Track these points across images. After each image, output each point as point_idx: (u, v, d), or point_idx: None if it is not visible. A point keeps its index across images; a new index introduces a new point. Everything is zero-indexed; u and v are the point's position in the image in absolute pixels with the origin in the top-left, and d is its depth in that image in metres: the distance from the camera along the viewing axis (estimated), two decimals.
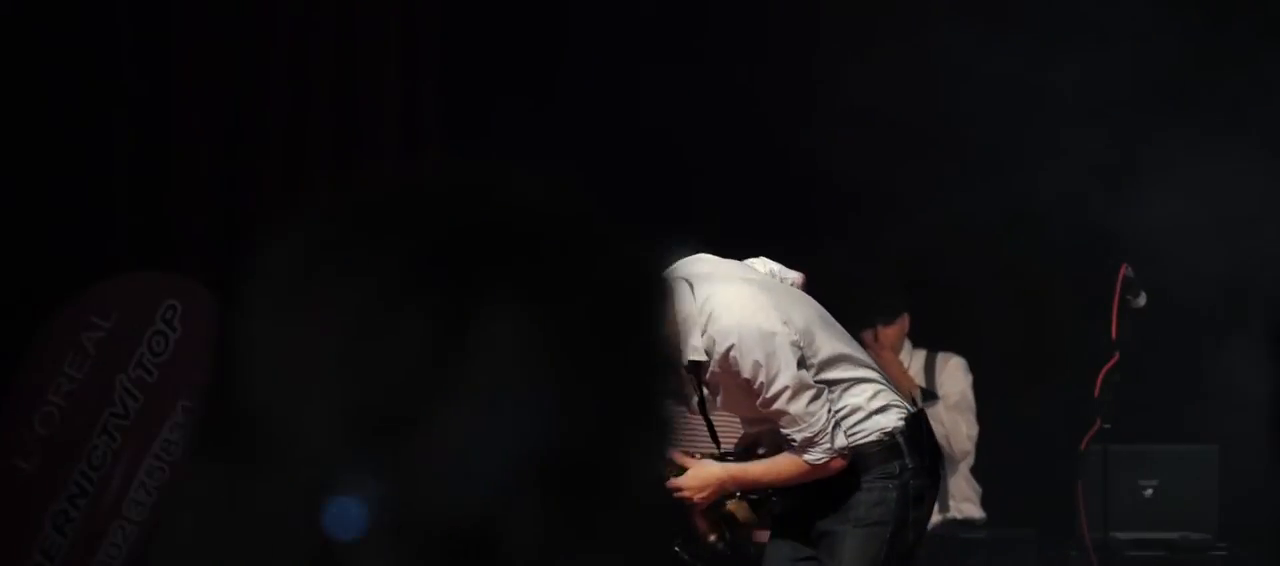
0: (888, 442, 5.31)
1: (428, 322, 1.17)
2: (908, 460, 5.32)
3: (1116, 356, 6.69)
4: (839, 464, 5.28)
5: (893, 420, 5.34)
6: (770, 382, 5.17)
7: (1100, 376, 6.79)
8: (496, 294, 1.18)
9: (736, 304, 5.19)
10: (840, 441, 5.25)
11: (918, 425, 5.40)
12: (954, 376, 8.06)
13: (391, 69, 8.22)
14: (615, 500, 1.20)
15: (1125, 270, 6.69)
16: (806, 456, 5.25)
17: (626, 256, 1.24)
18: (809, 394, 5.18)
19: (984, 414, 8.12)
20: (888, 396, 5.38)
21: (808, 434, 5.21)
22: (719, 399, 5.32)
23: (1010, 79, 8.00)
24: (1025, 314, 7.83)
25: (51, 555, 7.68)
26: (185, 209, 8.01)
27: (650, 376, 1.23)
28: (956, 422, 8.00)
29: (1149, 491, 7.86)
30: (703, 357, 5.19)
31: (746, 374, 5.16)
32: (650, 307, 1.24)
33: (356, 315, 1.18)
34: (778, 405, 5.18)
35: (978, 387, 8.09)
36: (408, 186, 1.26)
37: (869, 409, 5.33)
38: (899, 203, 7.92)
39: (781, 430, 5.25)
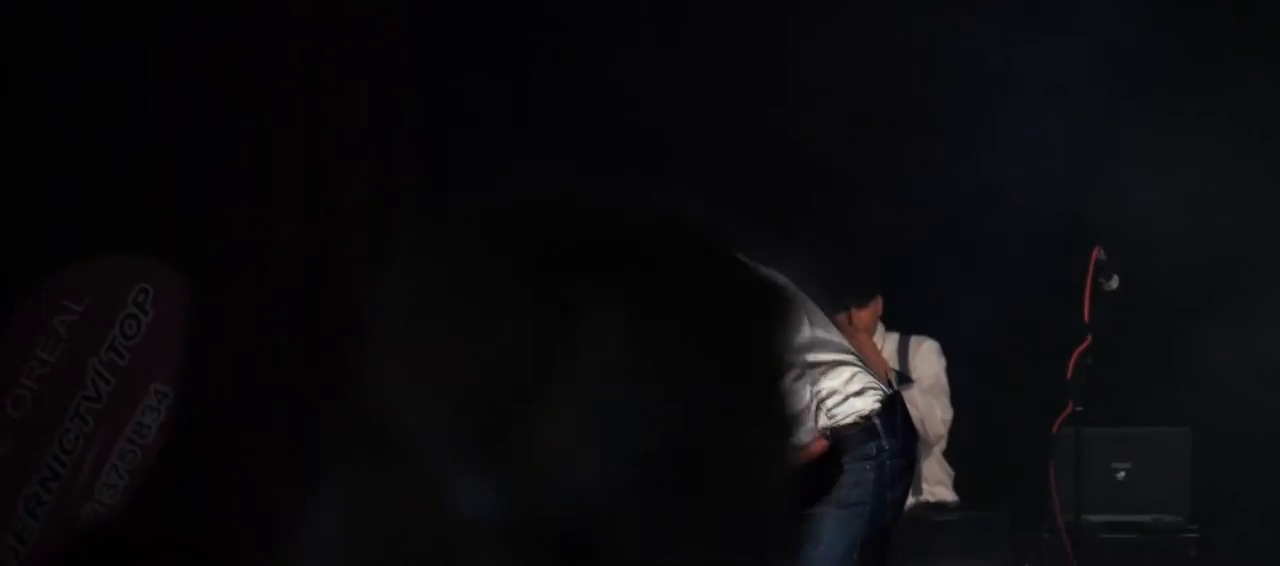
0: (865, 425, 5.33)
1: (534, 328, 1.21)
2: (884, 441, 5.34)
3: (1089, 339, 6.70)
4: (821, 445, 5.30)
5: (870, 403, 5.35)
6: None
7: (1073, 359, 6.80)
8: (601, 301, 1.22)
9: None
10: (822, 421, 5.26)
11: (893, 407, 5.42)
12: (928, 360, 8.06)
13: (365, 52, 8.19)
14: (721, 498, 1.23)
15: (1097, 253, 6.70)
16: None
17: (733, 266, 1.29)
18: (791, 374, 5.18)
19: (956, 397, 8.12)
20: (864, 379, 5.39)
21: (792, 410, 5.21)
22: None
23: (982, 61, 8.00)
24: (997, 297, 7.83)
25: (24, 538, 7.66)
26: (157, 192, 7.98)
27: (758, 380, 1.27)
28: (931, 406, 8.00)
29: (1121, 474, 7.88)
30: None
31: None
32: (759, 315, 1.29)
33: (468, 321, 1.23)
34: None
35: (950, 371, 8.10)
36: (522, 198, 1.29)
37: (846, 392, 5.35)
38: (871, 185, 7.91)
39: None
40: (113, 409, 7.72)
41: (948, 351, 8.10)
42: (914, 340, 8.06)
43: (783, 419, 1.29)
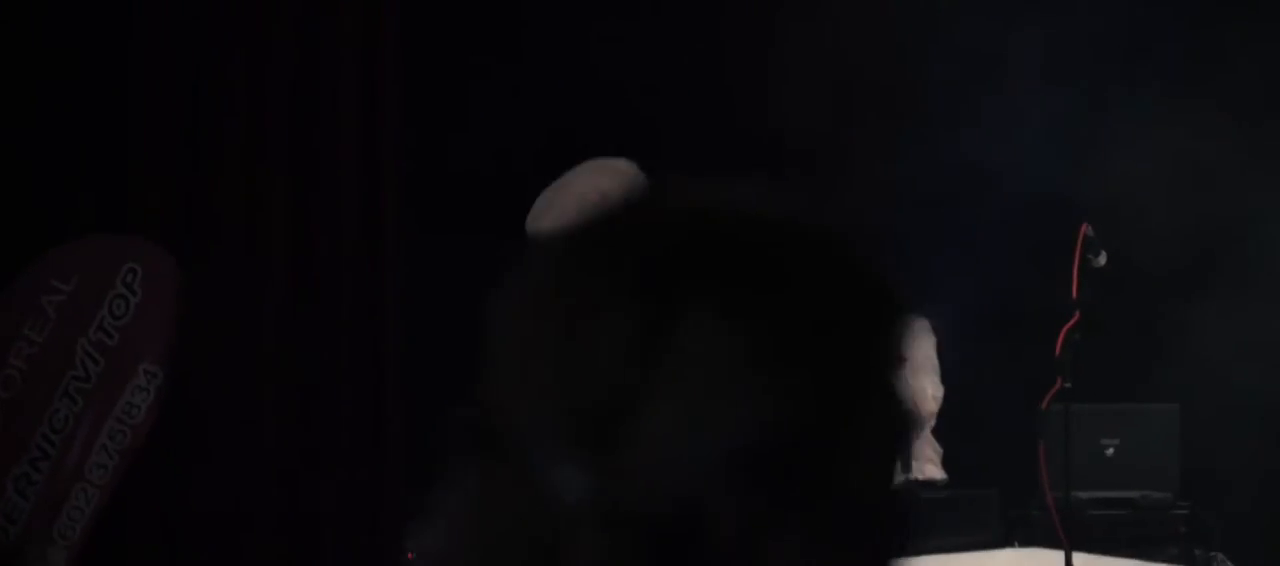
0: None
1: (634, 328, 1.26)
2: None
3: (1077, 315, 6.69)
4: None
5: None
6: None
7: (1061, 336, 6.80)
8: (700, 300, 1.26)
9: None
10: None
11: None
12: (917, 339, 8.07)
13: (351, 28, 8.18)
14: (822, 495, 1.26)
15: (1086, 229, 6.69)
16: None
17: (842, 267, 1.33)
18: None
19: (945, 374, 8.13)
20: None
21: None
22: None
23: (969, 38, 8.00)
24: (985, 274, 7.83)
25: (13, 518, 7.66)
26: (146, 172, 7.97)
27: (861, 380, 1.30)
28: (922, 385, 8.01)
29: (1110, 451, 7.89)
30: None
31: None
32: (864, 316, 1.32)
33: (570, 322, 1.28)
34: None
35: (938, 348, 8.11)
36: (625, 204, 1.34)
37: None
38: (856, 162, 7.91)
39: None
40: (102, 389, 7.72)
41: (936, 329, 8.11)
42: None
43: (894, 417, 1.33)
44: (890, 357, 1.33)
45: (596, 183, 5.31)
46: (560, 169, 6.01)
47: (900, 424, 1.33)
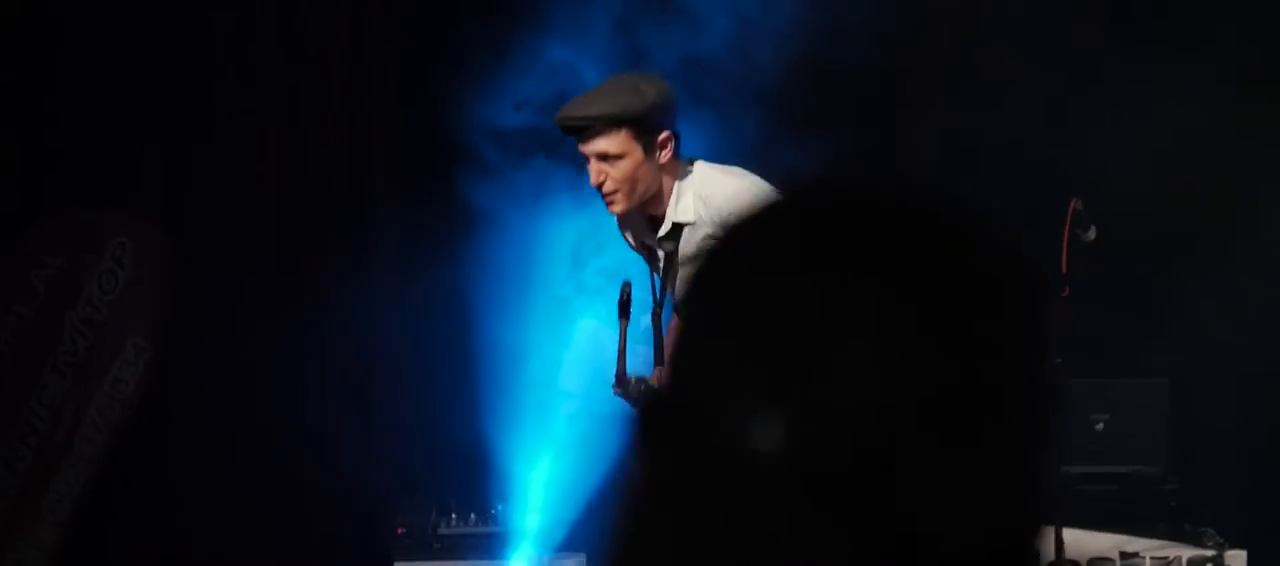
0: None
1: (820, 293, 1.36)
2: None
3: (1067, 290, 6.69)
4: None
5: None
6: None
7: (1051, 310, 6.79)
8: (874, 274, 1.38)
9: (736, 179, 5.21)
10: None
11: None
12: None
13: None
14: (995, 451, 1.37)
15: (1075, 204, 6.69)
16: None
17: (996, 245, 1.45)
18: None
19: None
20: None
21: None
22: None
23: (960, 10, 7.99)
24: None
25: (3, 493, 7.66)
26: (135, 145, 7.95)
27: (1022, 343, 1.41)
28: None
29: (1100, 425, 7.88)
30: (691, 219, 5.17)
31: None
32: (1019, 290, 1.45)
33: (756, 305, 1.38)
34: None
35: None
36: (806, 189, 1.47)
37: None
38: (841, 135, 7.90)
39: None
40: (91, 363, 7.71)
41: None
42: None
43: (1046, 378, 1.43)
44: (1040, 322, 1.44)
45: (633, 80, 5.34)
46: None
47: (1051, 383, 1.43)
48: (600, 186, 5.25)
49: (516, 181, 7.81)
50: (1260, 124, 8.01)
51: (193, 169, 7.97)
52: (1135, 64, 7.88)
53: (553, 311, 7.81)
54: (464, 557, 7.97)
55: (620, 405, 6.80)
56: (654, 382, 5.30)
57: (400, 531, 8.08)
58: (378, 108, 8.13)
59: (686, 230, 5.21)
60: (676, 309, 5.28)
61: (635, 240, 5.52)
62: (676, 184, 5.23)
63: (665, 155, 5.26)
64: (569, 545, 7.87)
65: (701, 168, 5.27)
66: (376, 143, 8.13)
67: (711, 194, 5.21)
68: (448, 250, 8.02)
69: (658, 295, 5.32)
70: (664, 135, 5.27)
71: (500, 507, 7.95)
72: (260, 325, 7.96)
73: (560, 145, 7.35)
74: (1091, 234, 6.73)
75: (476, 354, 7.93)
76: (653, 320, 5.33)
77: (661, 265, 5.27)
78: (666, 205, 5.24)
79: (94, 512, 7.75)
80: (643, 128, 5.23)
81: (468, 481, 8.01)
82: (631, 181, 5.22)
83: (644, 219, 5.45)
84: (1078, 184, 6.96)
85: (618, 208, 5.25)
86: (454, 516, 8.05)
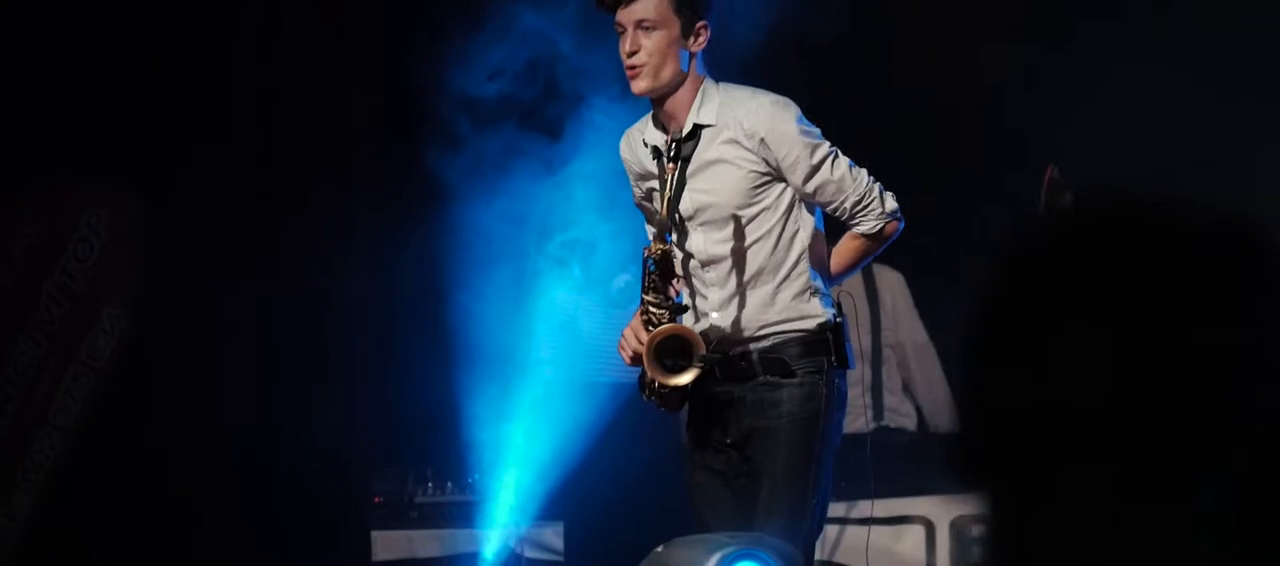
0: (828, 329, 5.27)
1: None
2: (833, 357, 5.30)
3: None
4: (893, 228, 5.30)
5: (833, 311, 5.32)
6: (816, 148, 5.19)
7: None
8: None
9: (762, 96, 5.23)
10: (890, 204, 5.25)
11: (844, 329, 5.38)
12: (908, 317, 8.11)
13: None
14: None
15: (1051, 172, 6.68)
16: (859, 227, 5.25)
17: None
18: (848, 160, 5.20)
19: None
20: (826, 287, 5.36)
21: (856, 195, 5.20)
22: (696, 201, 5.21)
23: None
24: (951, 215, 7.81)
25: None
26: (112, 116, 7.92)
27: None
28: (912, 330, 8.06)
29: None
30: (712, 122, 5.17)
31: (788, 143, 5.16)
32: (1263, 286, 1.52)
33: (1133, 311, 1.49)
34: (823, 172, 5.19)
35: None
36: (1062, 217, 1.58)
37: (821, 288, 5.31)
38: (816, 103, 7.88)
39: (826, 204, 5.23)
40: (66, 332, 7.70)
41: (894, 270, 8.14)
42: (876, 267, 8.04)
43: None
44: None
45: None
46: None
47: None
48: (631, 57, 5.24)
49: (487, 151, 7.79)
50: (1239, 91, 7.99)
51: (168, 140, 7.94)
52: (1116, 32, 7.86)
53: (524, 282, 7.80)
54: (441, 526, 7.97)
55: (593, 373, 6.80)
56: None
57: (377, 500, 8.07)
58: (352, 80, 8.11)
59: (707, 133, 5.19)
60: (677, 225, 5.24)
61: (639, 169, 5.46)
62: (701, 89, 5.23)
63: (698, 43, 5.27)
64: (547, 513, 7.86)
65: (725, 84, 5.28)
66: (351, 115, 8.11)
67: (736, 104, 5.21)
68: (421, 220, 8.00)
69: (664, 213, 5.26)
70: (702, 23, 5.28)
71: (476, 477, 7.94)
72: (235, 296, 7.94)
73: (533, 115, 7.34)
74: (1068, 200, 6.71)
75: (451, 324, 7.91)
76: (657, 262, 5.25)
77: (672, 179, 5.22)
78: (687, 110, 5.22)
79: (69, 482, 7.73)
80: (685, 4, 5.24)
81: (444, 450, 8.00)
82: (662, 56, 5.21)
83: (652, 138, 5.38)
84: (1055, 151, 6.94)
85: (641, 84, 5.22)
86: (431, 485, 8.04)
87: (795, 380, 5.25)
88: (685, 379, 5.19)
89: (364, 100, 8.14)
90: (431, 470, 8.04)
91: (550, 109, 7.41)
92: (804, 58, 7.69)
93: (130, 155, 7.91)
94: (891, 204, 5.28)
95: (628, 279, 7.68)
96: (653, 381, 5.27)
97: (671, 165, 5.21)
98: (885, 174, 5.41)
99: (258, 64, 8.05)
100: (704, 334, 5.24)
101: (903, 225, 5.34)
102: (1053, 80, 8.03)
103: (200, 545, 7.81)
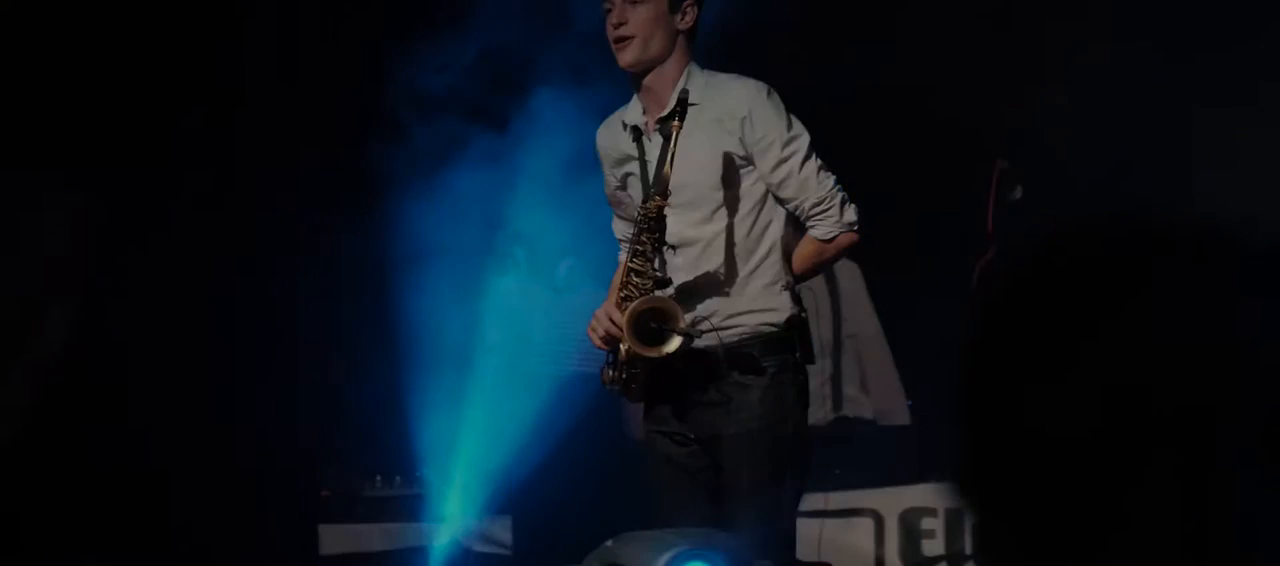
0: (794, 325, 5.24)
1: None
2: (799, 353, 5.27)
3: (992, 250, 6.69)
4: (848, 239, 5.26)
5: (798, 308, 5.29)
6: (793, 138, 5.16)
7: (976, 270, 6.79)
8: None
9: (745, 80, 5.21)
10: (850, 215, 5.22)
11: (807, 324, 5.36)
12: (864, 310, 8.11)
13: None
14: None
15: (1000, 164, 6.69)
16: (814, 230, 5.21)
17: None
18: (818, 162, 5.18)
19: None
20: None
21: (816, 197, 5.18)
22: (674, 180, 5.17)
23: None
24: (901, 206, 7.81)
25: None
26: (59, 111, 7.89)
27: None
28: (864, 318, 8.07)
29: None
30: (696, 102, 5.14)
31: (766, 125, 5.14)
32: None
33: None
34: (790, 163, 5.16)
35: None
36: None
37: (788, 281, 5.28)
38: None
39: (787, 199, 5.20)
40: (15, 324, 7.66)
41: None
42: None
43: None
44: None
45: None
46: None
47: None
48: (619, 28, 5.22)
49: (431, 144, 7.77)
50: (1192, 84, 8.00)
51: (113, 132, 7.90)
52: (1064, 22, 7.86)
53: (470, 274, 7.77)
54: (389, 520, 7.93)
55: (541, 365, 6.77)
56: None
57: (325, 494, 8.04)
58: (296, 76, 8.08)
59: (691, 112, 5.16)
60: (661, 194, 5.19)
61: (616, 155, 5.43)
62: (687, 70, 5.23)
63: (685, 22, 5.25)
64: (495, 507, 7.84)
65: (709, 70, 5.28)
66: (296, 109, 8.08)
67: (721, 86, 5.20)
68: (366, 214, 7.97)
69: (646, 191, 5.22)
70: (689, 2, 5.27)
71: (424, 470, 7.91)
72: (181, 291, 7.90)
73: (478, 108, 7.32)
74: (1018, 193, 6.72)
75: (398, 317, 7.88)
76: (652, 221, 5.21)
77: (654, 159, 5.19)
78: (671, 88, 5.21)
79: (13, 475, 7.69)
80: None
81: (392, 444, 7.97)
82: (650, 29, 5.20)
83: (633, 119, 5.35)
84: (1005, 141, 6.96)
85: (627, 57, 5.20)
86: (378, 479, 8.01)
87: (763, 380, 5.20)
88: (668, 347, 5.11)
89: (309, 95, 8.10)
90: (379, 464, 8.01)
91: (495, 102, 7.38)
92: (749, 45, 7.68)
93: (76, 151, 7.86)
94: (851, 215, 5.24)
95: (571, 264, 7.66)
96: (624, 360, 5.20)
97: (641, 169, 5.21)
98: (834, 165, 5.38)
99: (205, 62, 8.02)
100: None
101: (858, 239, 5.30)
102: (1000, 70, 8.02)
103: (145, 540, 7.78)
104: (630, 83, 5.31)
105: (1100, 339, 1.43)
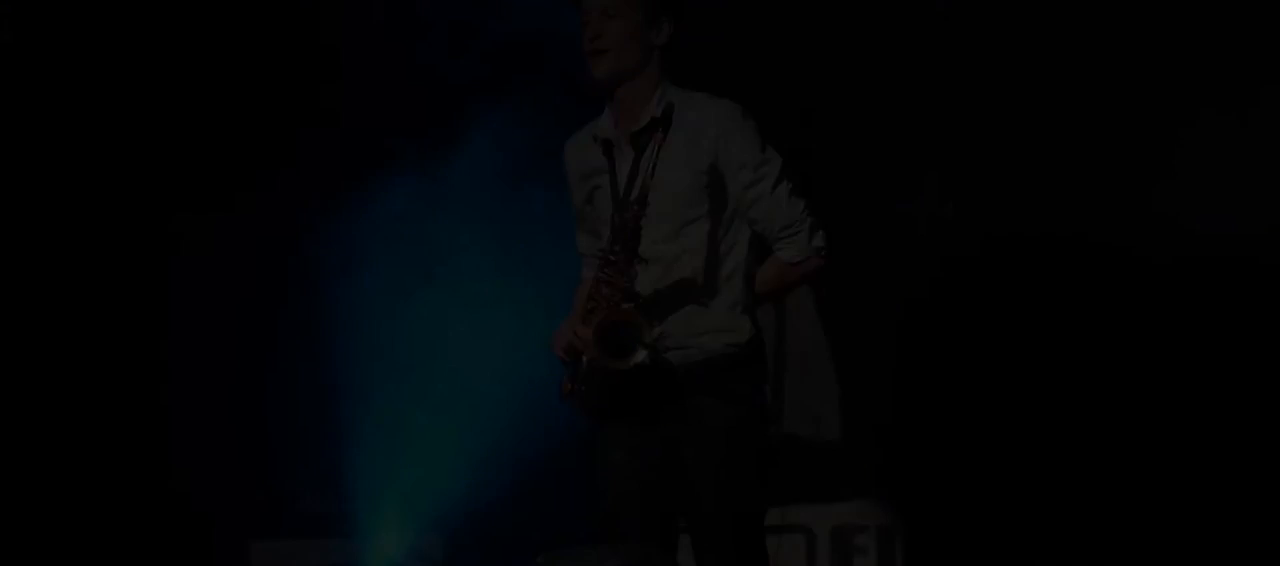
0: (753, 346, 5.24)
1: None
2: (759, 373, 5.28)
3: (924, 264, 6.70)
4: (814, 264, 5.25)
5: (756, 327, 5.29)
6: (766, 161, 5.18)
7: (904, 284, 6.79)
8: None
9: (717, 98, 5.22)
10: (817, 240, 5.20)
11: (764, 345, 5.36)
12: (802, 290, 8.11)
13: None
14: None
15: (928, 178, 6.71)
16: (781, 252, 5.20)
17: None
18: (790, 185, 5.17)
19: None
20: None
21: (785, 220, 5.18)
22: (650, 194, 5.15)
23: None
24: (836, 219, 7.81)
25: None
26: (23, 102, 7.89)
27: None
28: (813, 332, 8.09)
29: None
30: (670, 118, 5.12)
31: (740, 143, 5.15)
32: None
33: None
34: (763, 184, 5.17)
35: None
36: None
37: (748, 303, 5.27)
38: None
39: (755, 220, 5.20)
40: None
41: None
42: None
43: None
44: None
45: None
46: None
47: None
48: (594, 41, 5.23)
49: (365, 154, 7.77)
50: (1134, 86, 8.02)
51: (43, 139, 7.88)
52: (1000, 31, 7.87)
53: (406, 285, 7.77)
54: (321, 535, 7.92)
55: (481, 382, 6.73)
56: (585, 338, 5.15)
57: (256, 509, 8.02)
58: (234, 80, 8.07)
59: (676, 115, 5.17)
60: (640, 203, 5.16)
61: (584, 169, 5.41)
62: (660, 85, 5.24)
63: (660, 37, 5.27)
64: (428, 524, 7.84)
65: (685, 88, 5.29)
66: (233, 115, 8.07)
67: (696, 102, 5.23)
68: (300, 224, 7.96)
69: (617, 203, 5.21)
70: (665, 17, 5.28)
71: (357, 485, 7.89)
72: (114, 298, 7.88)
73: (413, 118, 7.30)
74: (950, 210, 6.74)
75: (330, 329, 7.86)
76: (629, 229, 5.19)
77: (624, 172, 5.18)
78: (644, 103, 5.21)
79: None
80: None
81: (324, 458, 7.95)
82: (625, 41, 5.22)
83: (604, 133, 5.34)
84: (940, 161, 6.97)
85: (602, 68, 5.21)
86: (310, 494, 7.99)
87: (729, 404, 5.19)
88: (634, 360, 5.08)
89: (244, 101, 8.09)
90: (311, 478, 7.99)
91: (429, 112, 7.37)
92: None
93: (12, 152, 7.85)
94: (819, 241, 5.25)
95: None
96: (585, 373, 5.18)
97: (622, 155, 5.21)
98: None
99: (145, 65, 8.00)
100: None
101: (825, 264, 5.30)
102: (937, 80, 8.04)
103: (73, 555, 7.75)
104: (605, 96, 5.32)
105: (1028, 348, 1.43)
